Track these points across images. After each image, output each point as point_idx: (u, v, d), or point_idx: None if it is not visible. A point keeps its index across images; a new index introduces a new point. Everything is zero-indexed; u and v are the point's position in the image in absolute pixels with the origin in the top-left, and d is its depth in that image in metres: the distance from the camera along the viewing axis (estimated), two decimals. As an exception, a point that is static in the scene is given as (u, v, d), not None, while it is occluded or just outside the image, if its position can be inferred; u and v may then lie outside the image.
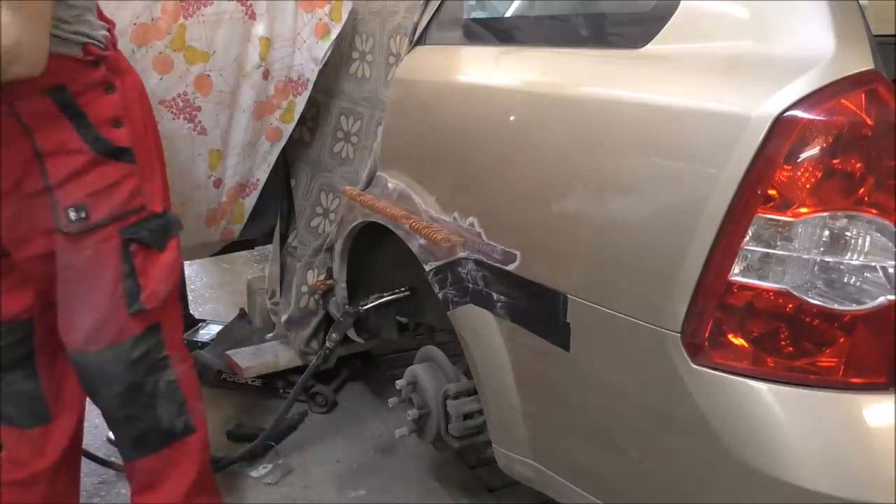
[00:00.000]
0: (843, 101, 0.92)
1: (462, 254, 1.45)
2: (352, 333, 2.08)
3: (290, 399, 2.06)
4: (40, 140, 1.31)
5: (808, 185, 0.94)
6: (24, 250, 1.39)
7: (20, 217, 1.36)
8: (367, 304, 1.97)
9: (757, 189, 0.95)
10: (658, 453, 1.13)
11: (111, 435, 1.95)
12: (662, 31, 1.14)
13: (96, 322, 1.42)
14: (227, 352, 2.34)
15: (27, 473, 1.54)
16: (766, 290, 0.98)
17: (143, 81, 1.51)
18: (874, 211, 0.93)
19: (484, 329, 1.44)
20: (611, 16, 1.31)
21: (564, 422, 1.33)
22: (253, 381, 2.39)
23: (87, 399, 1.57)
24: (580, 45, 1.33)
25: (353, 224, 1.89)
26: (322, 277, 2.11)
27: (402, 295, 1.98)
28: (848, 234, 0.95)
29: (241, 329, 2.53)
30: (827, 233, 0.95)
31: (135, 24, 1.76)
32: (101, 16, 1.41)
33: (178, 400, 1.54)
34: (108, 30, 1.41)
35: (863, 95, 0.92)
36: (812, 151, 0.93)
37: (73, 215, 1.35)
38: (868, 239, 0.94)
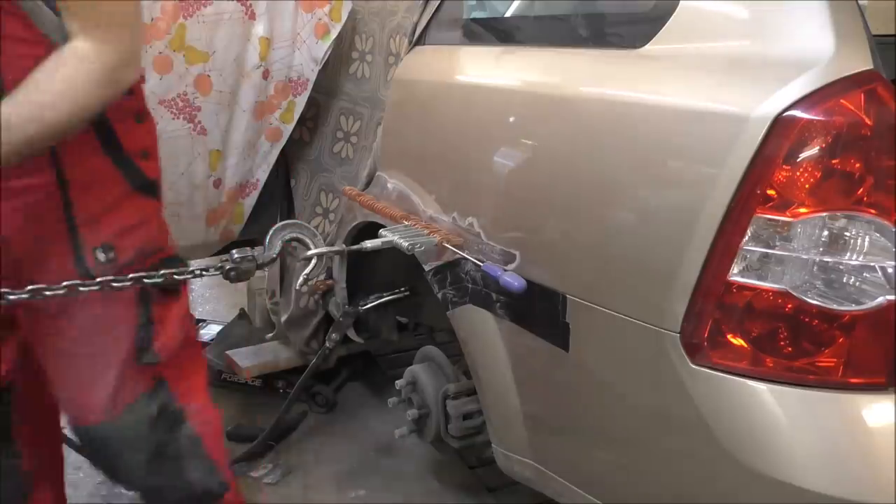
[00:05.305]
0: (842, 101, 0.92)
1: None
2: (352, 333, 2.08)
3: (290, 399, 2.06)
4: (69, 169, 1.13)
5: (807, 185, 0.94)
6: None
7: (29, 261, 1.16)
8: (366, 304, 1.97)
9: (756, 189, 0.95)
10: (657, 453, 1.13)
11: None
12: (662, 31, 1.14)
13: (116, 384, 1.24)
14: (227, 352, 2.34)
15: None
16: (766, 291, 0.98)
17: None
18: (873, 211, 0.93)
19: (483, 329, 1.44)
20: (610, 16, 1.31)
21: (564, 422, 1.33)
22: (253, 381, 2.39)
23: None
24: (580, 45, 1.33)
25: (353, 224, 1.89)
26: (322, 277, 2.11)
27: (401, 295, 1.98)
28: (847, 234, 0.95)
29: (240, 329, 2.53)
30: (826, 233, 0.95)
31: (134, 24, 1.76)
32: None
33: (204, 456, 1.36)
34: None
35: (862, 95, 0.92)
36: (811, 151, 0.93)
37: (101, 256, 1.17)
38: (867, 239, 0.94)
